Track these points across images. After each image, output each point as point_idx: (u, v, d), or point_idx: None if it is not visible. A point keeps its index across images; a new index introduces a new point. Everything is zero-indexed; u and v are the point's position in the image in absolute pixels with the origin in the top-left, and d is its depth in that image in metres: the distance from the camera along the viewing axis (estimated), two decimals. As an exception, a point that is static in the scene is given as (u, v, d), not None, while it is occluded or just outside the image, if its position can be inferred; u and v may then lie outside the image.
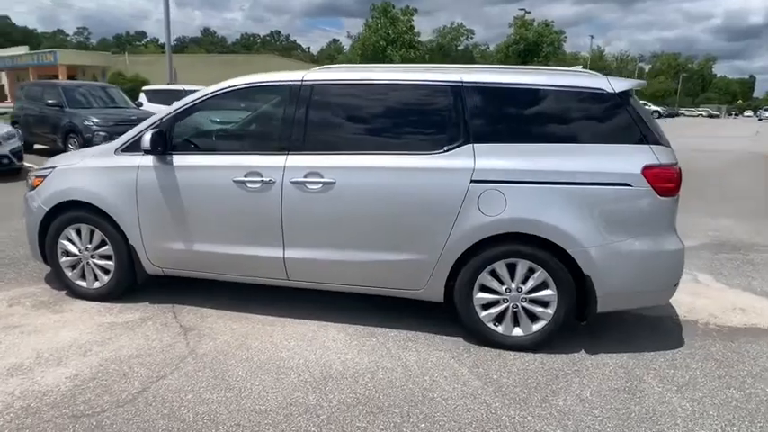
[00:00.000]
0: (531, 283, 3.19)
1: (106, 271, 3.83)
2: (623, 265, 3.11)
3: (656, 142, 3.12)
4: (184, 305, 3.82)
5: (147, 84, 29.76)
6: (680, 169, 3.14)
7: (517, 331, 3.27)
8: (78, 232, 3.80)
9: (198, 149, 3.67)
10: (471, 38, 56.06)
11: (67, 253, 3.86)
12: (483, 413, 2.65)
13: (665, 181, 3.05)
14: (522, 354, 3.24)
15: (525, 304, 3.23)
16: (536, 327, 3.25)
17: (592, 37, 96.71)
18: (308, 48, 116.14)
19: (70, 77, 32.84)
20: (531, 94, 3.26)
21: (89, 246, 3.80)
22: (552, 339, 3.26)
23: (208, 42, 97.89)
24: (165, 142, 3.53)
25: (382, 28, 20.67)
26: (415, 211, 3.23)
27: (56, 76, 31.28)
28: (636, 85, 3.31)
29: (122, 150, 3.69)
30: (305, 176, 3.32)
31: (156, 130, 3.52)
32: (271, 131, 3.74)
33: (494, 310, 3.27)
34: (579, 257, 3.08)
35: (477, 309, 3.28)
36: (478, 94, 3.25)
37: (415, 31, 21.70)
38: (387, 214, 3.28)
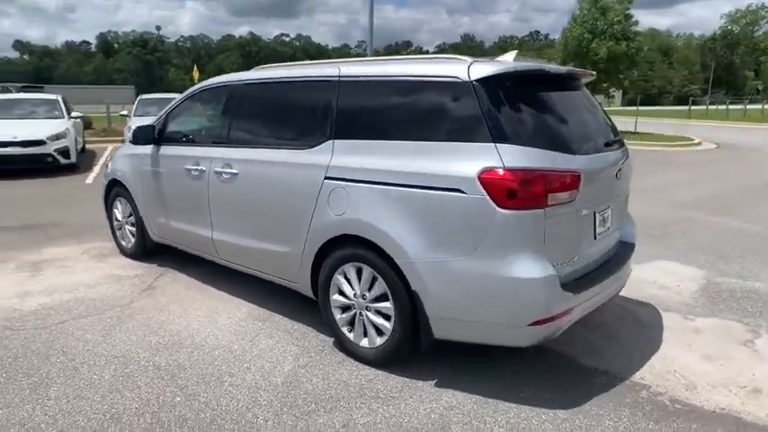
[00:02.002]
0: (374, 292, 2.95)
1: (133, 234, 4.91)
2: (455, 286, 2.63)
3: (512, 140, 2.51)
4: (176, 271, 4.63)
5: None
6: (544, 176, 2.47)
7: (364, 342, 3.05)
8: (121, 202, 4.98)
9: (174, 141, 4.39)
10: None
11: (115, 218, 5.10)
12: (242, 405, 2.66)
13: (505, 189, 2.45)
14: (360, 367, 3.02)
15: (370, 314, 2.99)
16: (379, 341, 2.98)
17: None
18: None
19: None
20: (388, 87, 2.98)
21: (126, 214, 4.95)
22: (398, 358, 2.93)
23: (465, 47, 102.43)
24: (155, 136, 4.36)
25: (590, 19, 18.67)
26: (286, 204, 3.31)
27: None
28: (507, 69, 2.67)
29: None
30: (222, 167, 3.72)
31: (149, 126, 4.39)
32: (212, 127, 4.23)
33: (346, 315, 3.12)
34: (407, 270, 2.72)
35: (334, 310, 3.17)
36: (348, 87, 3.13)
37: (633, 20, 18.88)
38: (269, 206, 3.44)
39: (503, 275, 2.50)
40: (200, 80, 5.35)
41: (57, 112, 11.19)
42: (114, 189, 5.00)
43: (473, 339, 2.76)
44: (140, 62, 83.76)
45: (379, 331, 2.97)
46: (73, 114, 11.39)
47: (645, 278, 4.36)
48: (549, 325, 2.58)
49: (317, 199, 3.09)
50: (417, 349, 2.88)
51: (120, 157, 4.97)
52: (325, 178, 3.06)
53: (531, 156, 2.50)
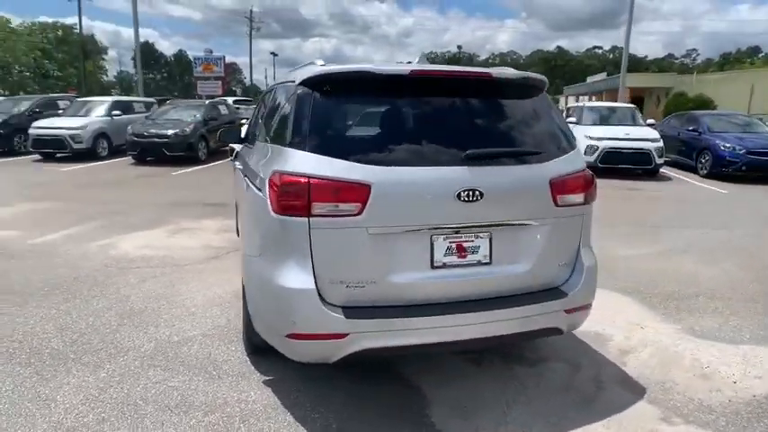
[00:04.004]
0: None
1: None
2: (252, 283, 2.74)
3: (305, 145, 2.45)
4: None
5: (711, 105, 28.47)
6: (310, 183, 2.35)
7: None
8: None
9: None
10: None
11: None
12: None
13: (275, 194, 2.44)
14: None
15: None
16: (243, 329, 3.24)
17: None
18: None
19: (634, 100, 34.97)
20: (272, 93, 3.22)
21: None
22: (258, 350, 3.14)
23: None
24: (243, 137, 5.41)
25: None
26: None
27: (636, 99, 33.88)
28: (323, 72, 2.56)
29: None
30: None
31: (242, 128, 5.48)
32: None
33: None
34: (243, 262, 2.95)
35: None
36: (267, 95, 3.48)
37: None
38: None
39: (270, 280, 2.49)
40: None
41: None
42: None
43: (269, 340, 2.75)
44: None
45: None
46: None
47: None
48: (310, 343, 2.44)
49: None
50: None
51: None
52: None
53: (308, 162, 2.41)
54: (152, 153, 12.54)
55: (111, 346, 3.38)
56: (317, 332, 2.42)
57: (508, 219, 2.63)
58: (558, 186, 2.68)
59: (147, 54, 61.20)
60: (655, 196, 9.78)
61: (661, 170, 12.24)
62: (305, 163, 2.41)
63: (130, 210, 7.54)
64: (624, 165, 11.70)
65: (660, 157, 11.81)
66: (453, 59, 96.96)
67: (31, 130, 12.97)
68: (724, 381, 3.10)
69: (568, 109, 15.07)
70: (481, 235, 2.59)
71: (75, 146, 12.82)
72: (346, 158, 2.40)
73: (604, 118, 13.35)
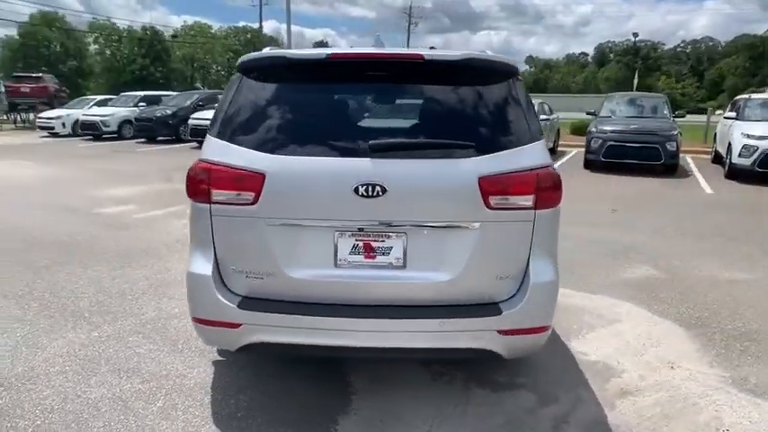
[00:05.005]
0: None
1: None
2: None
3: (220, 133, 2.47)
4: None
5: None
6: (210, 170, 2.36)
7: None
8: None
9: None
10: None
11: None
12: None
13: (189, 178, 2.46)
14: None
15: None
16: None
17: None
18: None
19: None
20: None
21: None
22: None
23: None
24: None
25: None
26: None
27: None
28: (248, 57, 2.55)
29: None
30: None
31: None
32: None
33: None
34: None
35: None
36: None
37: None
38: None
39: (188, 263, 2.56)
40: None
41: None
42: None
43: None
44: (629, 70, 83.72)
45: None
46: (541, 117, 12.34)
47: None
48: (209, 329, 2.46)
49: None
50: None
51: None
52: None
53: (216, 149, 2.41)
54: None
55: (122, 311, 3.79)
56: (212, 319, 2.43)
57: (425, 219, 2.32)
58: (491, 185, 2.28)
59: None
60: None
61: None
62: (213, 150, 2.43)
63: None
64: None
65: None
66: (628, 50, 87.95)
67: (189, 121, 15.04)
68: (739, 453, 2.37)
69: (733, 103, 12.64)
70: (392, 235, 2.34)
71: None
72: (249, 146, 2.35)
73: (776, 113, 10.97)
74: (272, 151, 2.32)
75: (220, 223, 2.39)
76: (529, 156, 2.37)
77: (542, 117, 12.64)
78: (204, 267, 2.43)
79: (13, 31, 42.89)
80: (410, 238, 2.34)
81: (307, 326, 2.35)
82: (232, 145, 2.38)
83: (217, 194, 2.36)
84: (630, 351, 3.28)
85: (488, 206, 2.29)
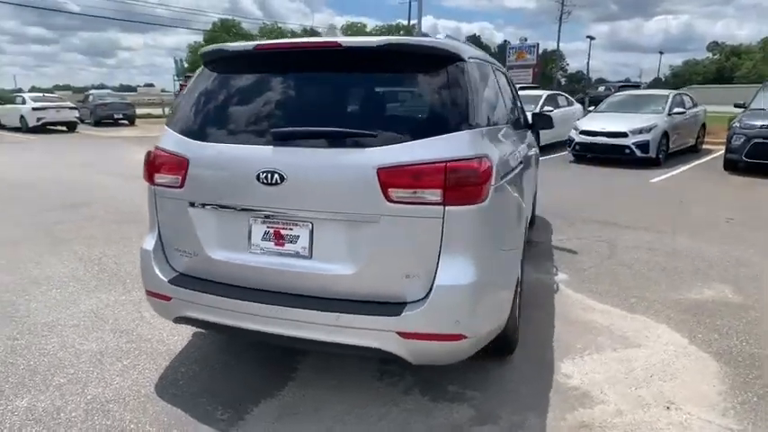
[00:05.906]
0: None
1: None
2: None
3: (173, 124, 2.67)
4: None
5: None
6: (156, 155, 2.59)
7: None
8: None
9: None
10: None
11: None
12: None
13: (144, 162, 2.71)
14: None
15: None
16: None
17: None
18: None
19: None
20: None
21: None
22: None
23: None
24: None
25: None
26: None
27: None
28: (204, 50, 2.68)
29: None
30: None
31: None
32: None
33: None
34: None
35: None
36: None
37: None
38: None
39: (144, 239, 2.82)
40: None
41: (658, 108, 11.00)
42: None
43: None
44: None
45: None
46: (675, 111, 11.00)
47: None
48: (155, 301, 2.67)
49: None
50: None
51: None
52: None
53: (163, 136, 2.63)
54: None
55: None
56: (151, 290, 2.65)
57: (326, 210, 2.25)
58: (390, 177, 2.13)
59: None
60: None
61: None
62: (162, 137, 2.65)
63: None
64: None
65: None
66: None
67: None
68: None
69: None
70: (299, 224, 2.31)
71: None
72: (182, 134, 2.53)
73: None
74: (197, 138, 2.47)
75: (161, 204, 2.60)
76: (444, 146, 2.16)
77: (676, 110, 11.02)
78: (149, 243, 2.66)
79: (200, 38, 50.02)
80: (316, 228, 2.30)
81: (222, 306, 2.44)
82: (171, 132, 2.58)
83: (157, 177, 2.57)
84: (627, 382, 2.80)
85: (389, 199, 2.15)
